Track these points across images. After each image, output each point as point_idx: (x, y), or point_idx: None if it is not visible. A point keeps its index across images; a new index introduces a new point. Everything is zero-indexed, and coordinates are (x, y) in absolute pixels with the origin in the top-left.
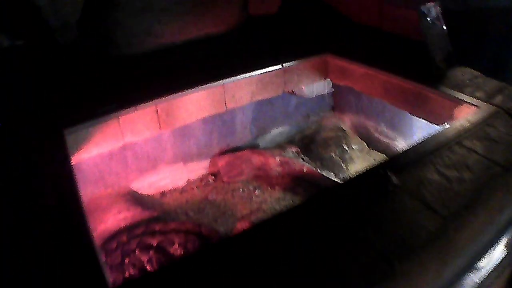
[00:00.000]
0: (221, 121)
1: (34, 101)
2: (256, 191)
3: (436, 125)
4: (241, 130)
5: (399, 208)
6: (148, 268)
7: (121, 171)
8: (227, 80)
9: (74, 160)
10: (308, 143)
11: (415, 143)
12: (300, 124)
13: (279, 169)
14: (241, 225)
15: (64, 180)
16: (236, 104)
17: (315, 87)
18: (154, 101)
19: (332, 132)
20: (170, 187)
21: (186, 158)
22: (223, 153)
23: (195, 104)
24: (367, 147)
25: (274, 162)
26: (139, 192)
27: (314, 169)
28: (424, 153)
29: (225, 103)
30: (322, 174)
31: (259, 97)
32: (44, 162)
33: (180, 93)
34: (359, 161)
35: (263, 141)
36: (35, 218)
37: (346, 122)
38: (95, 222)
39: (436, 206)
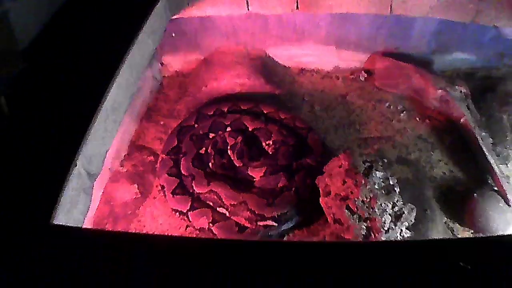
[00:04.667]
0: (395, 20)
1: None
2: (401, 114)
3: None
4: (418, 38)
5: None
6: (230, 154)
7: (259, 32)
8: None
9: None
10: (484, 89)
11: None
12: (488, 61)
13: (436, 103)
14: (341, 159)
15: None
16: (404, 11)
17: None
18: None
19: None
20: (312, 66)
21: (340, 43)
22: (386, 54)
23: None
24: None
25: (434, 93)
26: (276, 60)
27: (471, 125)
28: None
29: (391, 6)
30: (477, 139)
31: (437, 15)
32: None
33: None
34: None
35: (439, 60)
36: None
37: None
38: (210, 77)
39: None
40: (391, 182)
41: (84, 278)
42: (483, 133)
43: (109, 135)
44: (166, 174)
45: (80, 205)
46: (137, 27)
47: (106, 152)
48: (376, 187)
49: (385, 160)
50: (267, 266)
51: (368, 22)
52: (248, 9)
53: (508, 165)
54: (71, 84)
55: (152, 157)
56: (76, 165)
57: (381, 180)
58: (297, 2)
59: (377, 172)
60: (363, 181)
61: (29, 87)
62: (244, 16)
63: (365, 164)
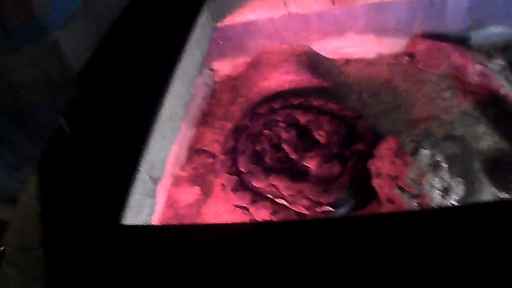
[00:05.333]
0: (429, 1)
1: None
2: (445, 93)
3: None
4: (452, 16)
5: None
6: (285, 147)
7: (301, 29)
8: None
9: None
10: None
11: None
12: None
13: (476, 78)
14: (389, 142)
15: None
16: None
17: None
18: None
19: None
20: (356, 56)
21: (380, 30)
22: (425, 36)
23: None
24: None
25: (473, 68)
26: (320, 54)
27: (509, 95)
28: None
29: None
30: None
31: None
32: None
33: None
34: None
35: (475, 35)
36: None
37: None
38: (259, 77)
39: None
40: (438, 159)
41: (153, 270)
42: None
43: (168, 142)
44: (226, 173)
45: (147, 208)
46: (184, 40)
47: (166, 157)
48: (423, 164)
49: (432, 138)
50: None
51: (403, 7)
52: (287, 10)
53: None
54: (128, 99)
55: (211, 159)
56: (140, 171)
57: (428, 157)
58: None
59: (423, 150)
60: (411, 160)
61: (87, 108)
62: (284, 16)
63: (412, 144)
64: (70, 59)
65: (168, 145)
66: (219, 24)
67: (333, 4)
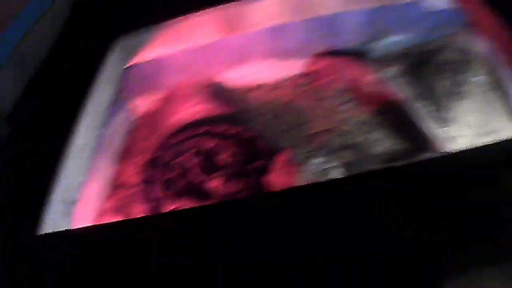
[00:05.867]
0: (327, 19)
1: None
2: (343, 106)
3: None
4: (350, 31)
5: None
6: (193, 173)
7: (208, 61)
8: None
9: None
10: (420, 63)
11: None
12: (422, 37)
13: (373, 87)
14: (283, 155)
15: None
16: (327, 10)
17: None
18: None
19: (455, 55)
20: (260, 82)
21: (282, 53)
22: (325, 54)
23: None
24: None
25: (369, 78)
26: (225, 84)
27: (410, 99)
28: None
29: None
30: (415, 110)
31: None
32: None
33: None
34: (470, 101)
35: (375, 47)
36: None
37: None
38: (173, 111)
39: None
40: (330, 166)
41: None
42: (422, 103)
43: (82, 169)
44: (143, 202)
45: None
46: (95, 78)
47: (81, 183)
48: (314, 172)
49: (328, 149)
50: None
51: (300, 28)
52: (194, 43)
53: (451, 127)
54: (49, 133)
55: (131, 191)
56: (55, 193)
57: (320, 165)
58: (230, 26)
59: (315, 159)
60: (302, 169)
61: (17, 142)
62: (191, 50)
63: (305, 155)
64: (0, 103)
65: (82, 171)
66: (130, 63)
67: (234, 33)
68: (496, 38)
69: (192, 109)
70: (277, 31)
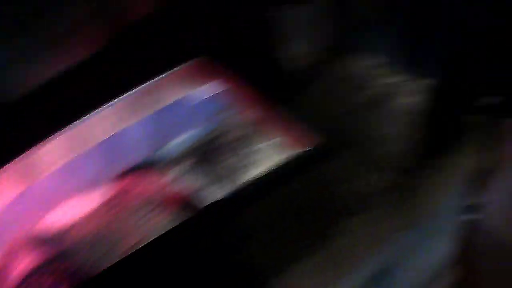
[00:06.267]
0: (111, 144)
1: None
2: (149, 214)
3: None
4: (136, 148)
5: None
6: None
7: (19, 217)
8: None
9: None
10: (207, 151)
11: None
12: (203, 128)
13: (168, 190)
14: None
15: None
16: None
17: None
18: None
19: (239, 131)
20: (72, 221)
21: (83, 187)
22: (118, 177)
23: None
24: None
25: (163, 183)
26: (44, 230)
27: (195, 189)
28: None
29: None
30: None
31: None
32: None
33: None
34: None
35: (163, 154)
36: None
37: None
38: (10, 269)
39: None
40: None
41: None
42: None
43: None
44: None
45: None
46: None
47: None
48: None
49: None
50: None
51: (91, 160)
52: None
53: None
54: None
55: None
56: None
57: None
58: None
59: None
60: None
61: None
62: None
63: None
64: None
65: None
66: None
67: (31, 182)
68: (256, 108)
69: (24, 262)
70: (71, 167)
